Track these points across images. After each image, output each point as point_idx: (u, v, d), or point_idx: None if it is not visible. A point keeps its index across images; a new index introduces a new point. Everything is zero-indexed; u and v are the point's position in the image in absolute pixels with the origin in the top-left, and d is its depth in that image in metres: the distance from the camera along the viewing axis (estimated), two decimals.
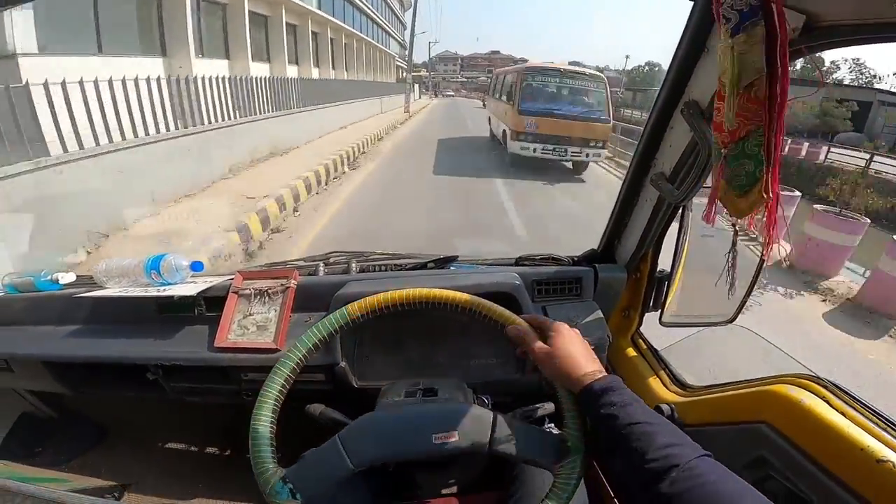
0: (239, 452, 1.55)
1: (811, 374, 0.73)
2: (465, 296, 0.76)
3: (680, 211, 0.85)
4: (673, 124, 0.70)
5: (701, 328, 1.04)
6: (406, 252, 1.18)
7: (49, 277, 1.11)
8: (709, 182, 0.68)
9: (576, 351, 0.68)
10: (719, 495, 0.49)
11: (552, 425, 0.88)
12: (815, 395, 0.67)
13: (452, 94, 65.76)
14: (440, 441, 0.68)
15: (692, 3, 0.55)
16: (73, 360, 1.06)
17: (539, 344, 0.70)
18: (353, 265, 1.11)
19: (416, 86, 38.51)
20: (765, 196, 0.48)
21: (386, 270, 1.10)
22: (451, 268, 1.11)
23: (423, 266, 1.10)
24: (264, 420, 0.69)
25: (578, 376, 0.65)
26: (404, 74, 41.91)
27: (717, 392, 0.87)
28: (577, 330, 0.72)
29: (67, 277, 1.13)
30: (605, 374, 0.65)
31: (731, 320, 0.97)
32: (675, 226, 0.91)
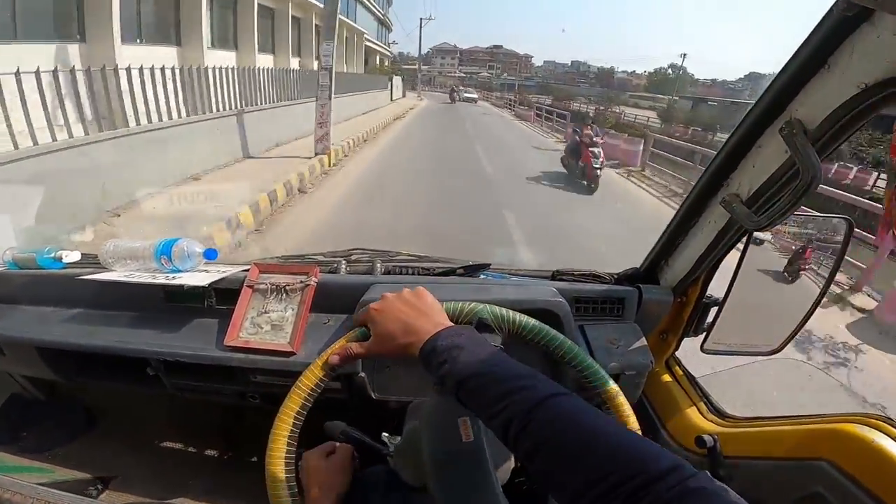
0: (232, 452, 1.48)
1: (883, 414, 0.70)
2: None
3: (746, 237, 0.78)
4: (763, 143, 0.64)
5: (743, 358, 0.98)
6: (436, 255, 1.11)
7: (52, 255, 1.03)
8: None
9: (399, 316, 0.59)
10: (565, 439, 0.42)
11: None
12: (888, 436, 0.64)
13: (474, 95, 40.41)
14: None
15: (829, 10, 0.49)
16: (69, 347, 0.98)
17: (361, 346, 0.62)
18: (378, 265, 1.04)
19: (399, 80, 29.78)
20: None
21: (413, 274, 1.03)
22: (482, 276, 1.04)
23: (453, 272, 1.04)
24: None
25: (410, 342, 0.57)
26: (382, 62, 34.32)
27: (765, 425, 0.83)
28: (400, 294, 0.63)
29: (72, 256, 1.05)
30: (445, 327, 0.57)
31: (777, 351, 0.92)
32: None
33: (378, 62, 32.77)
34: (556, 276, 1.02)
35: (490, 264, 1.06)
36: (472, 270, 1.04)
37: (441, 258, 1.10)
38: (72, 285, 0.99)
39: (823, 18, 0.49)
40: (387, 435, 0.76)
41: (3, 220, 1.29)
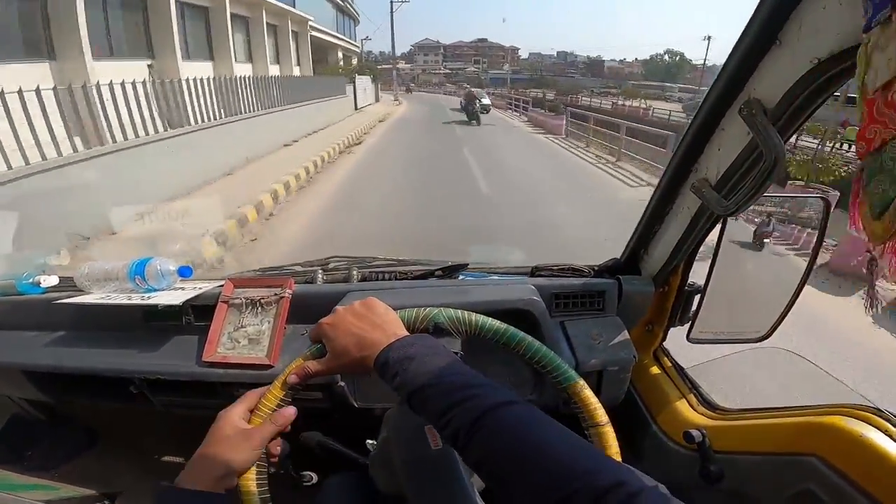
0: None
1: (870, 405, 0.67)
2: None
3: (721, 222, 0.75)
4: (725, 125, 0.61)
5: (732, 348, 0.95)
6: (412, 258, 1.09)
7: (31, 280, 1.03)
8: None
9: (351, 331, 0.58)
10: (509, 452, 0.41)
11: None
12: (877, 428, 0.62)
13: (487, 101, 21.07)
14: None
15: None
16: (52, 370, 0.99)
17: (318, 363, 0.60)
18: (355, 272, 1.02)
19: (368, 81, 22.66)
20: None
21: (390, 279, 1.01)
22: (461, 277, 1.02)
23: (431, 274, 1.02)
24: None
25: (365, 356, 0.55)
26: (349, 61, 26.84)
27: (755, 418, 0.81)
28: (352, 307, 0.62)
29: (50, 280, 1.06)
30: (398, 337, 0.56)
31: (766, 337, 0.90)
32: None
33: (341, 60, 25.37)
34: (534, 272, 1.00)
35: (468, 264, 1.04)
36: (451, 272, 1.02)
37: (418, 261, 1.08)
38: (52, 309, 0.99)
39: None
40: (371, 442, 0.75)
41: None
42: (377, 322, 0.58)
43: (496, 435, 0.42)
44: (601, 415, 0.62)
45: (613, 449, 0.60)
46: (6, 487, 1.16)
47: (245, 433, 0.58)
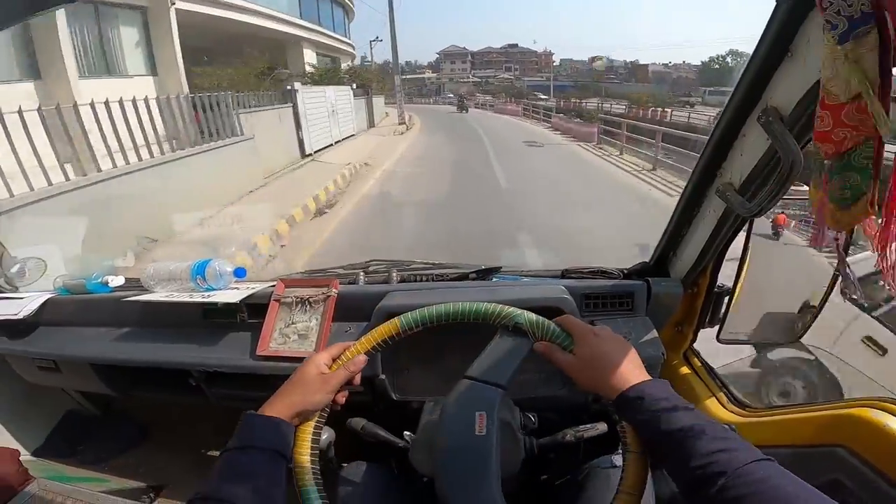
0: None
1: None
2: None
3: (747, 223, 0.79)
4: (746, 132, 0.65)
5: (763, 347, 0.98)
6: (448, 262, 1.15)
7: (100, 280, 1.14)
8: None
9: (609, 355, 0.62)
10: (778, 501, 0.44)
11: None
12: None
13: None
14: None
15: (775, 3, 0.51)
16: (118, 363, 1.08)
17: (564, 356, 0.65)
18: (394, 274, 1.09)
19: (344, 93, 12.74)
20: (870, 210, 0.43)
21: (427, 280, 1.08)
22: (494, 279, 1.08)
23: (465, 277, 1.08)
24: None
25: (611, 383, 0.60)
26: (337, 65, 16.86)
27: (783, 413, 0.83)
28: (613, 334, 0.66)
29: (117, 281, 1.16)
30: (649, 378, 0.60)
31: (798, 338, 0.92)
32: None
33: (310, 62, 15.55)
34: (565, 274, 1.05)
35: (501, 267, 1.09)
36: (484, 274, 1.08)
37: (454, 264, 1.14)
38: (119, 307, 1.09)
39: (775, 7, 0.51)
40: (408, 434, 0.80)
41: (53, 251, 1.42)
42: (637, 362, 0.63)
43: (760, 482, 0.46)
44: None
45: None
46: (60, 479, 1.25)
47: (324, 377, 0.68)
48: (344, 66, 19.02)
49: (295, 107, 9.19)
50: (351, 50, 21.85)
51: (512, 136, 14.85)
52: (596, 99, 36.19)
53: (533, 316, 0.72)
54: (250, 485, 0.54)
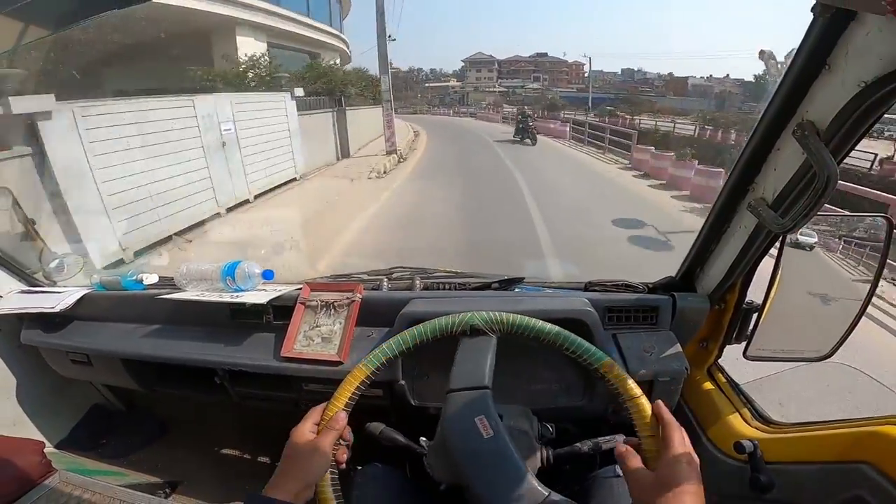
0: None
1: None
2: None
3: (779, 240, 0.78)
4: (780, 146, 0.65)
5: (790, 364, 0.96)
6: (470, 271, 1.16)
7: (135, 277, 1.18)
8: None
9: (687, 489, 0.56)
10: None
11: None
12: None
13: None
14: None
15: (812, 16, 0.52)
16: (148, 359, 1.11)
17: (642, 473, 0.60)
18: (417, 282, 1.10)
19: (283, 103, 7.73)
20: None
21: (449, 289, 1.09)
22: (517, 290, 1.08)
23: (488, 286, 1.08)
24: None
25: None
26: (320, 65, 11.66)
27: (809, 430, 0.82)
28: (696, 459, 0.61)
29: (151, 278, 1.20)
30: None
31: (827, 357, 0.90)
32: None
33: (256, 58, 9.93)
34: (588, 287, 1.05)
35: (524, 278, 1.10)
36: (507, 284, 1.09)
37: (476, 273, 1.15)
38: (151, 304, 1.12)
39: (812, 21, 0.51)
40: (424, 440, 0.81)
41: (92, 248, 1.47)
42: (701, 498, 0.57)
43: None
44: (634, 388, 0.68)
45: (648, 418, 0.65)
46: (81, 472, 1.28)
47: (313, 444, 0.68)
48: (328, 63, 13.21)
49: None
50: (341, 46, 16.50)
51: (597, 208, 6.88)
52: (645, 115, 28.91)
53: (486, 315, 0.78)
54: None
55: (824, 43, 0.52)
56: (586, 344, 0.74)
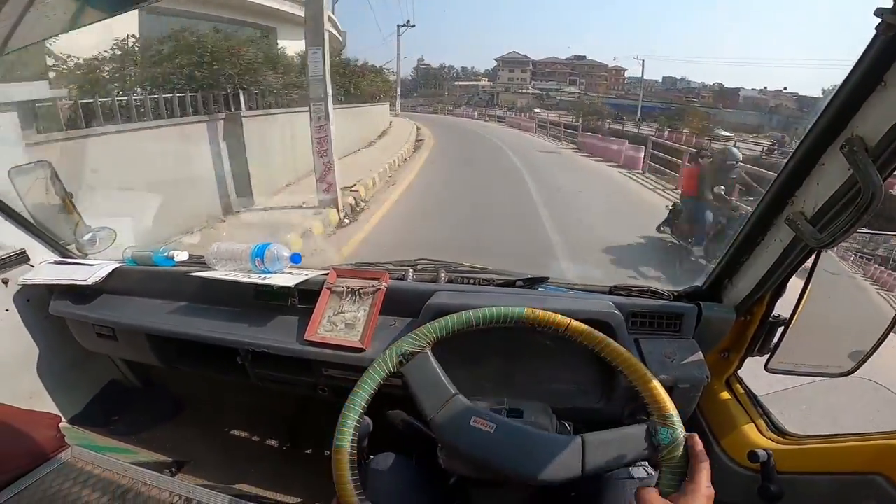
0: (297, 447, 1.58)
1: None
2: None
3: (813, 255, 0.79)
4: (825, 161, 0.66)
5: (812, 377, 0.96)
6: (494, 267, 1.17)
7: (166, 254, 1.20)
8: None
9: None
10: None
11: (645, 462, 0.84)
12: None
13: None
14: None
15: (875, 32, 0.52)
16: (173, 335, 1.13)
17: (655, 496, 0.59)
18: (442, 274, 1.12)
19: None
20: None
21: (474, 284, 1.10)
22: (540, 289, 1.09)
23: (512, 283, 1.09)
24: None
25: None
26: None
27: (824, 442, 0.83)
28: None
29: (181, 256, 1.22)
30: None
31: (849, 373, 0.90)
32: None
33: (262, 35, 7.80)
34: (613, 290, 1.05)
35: (549, 278, 1.10)
36: (531, 283, 1.09)
37: (501, 270, 1.16)
38: (181, 281, 1.14)
39: (874, 37, 0.51)
40: None
41: (125, 223, 1.50)
42: None
43: None
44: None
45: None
46: (90, 447, 1.30)
47: None
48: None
49: None
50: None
51: None
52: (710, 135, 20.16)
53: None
54: None
55: (883, 60, 0.53)
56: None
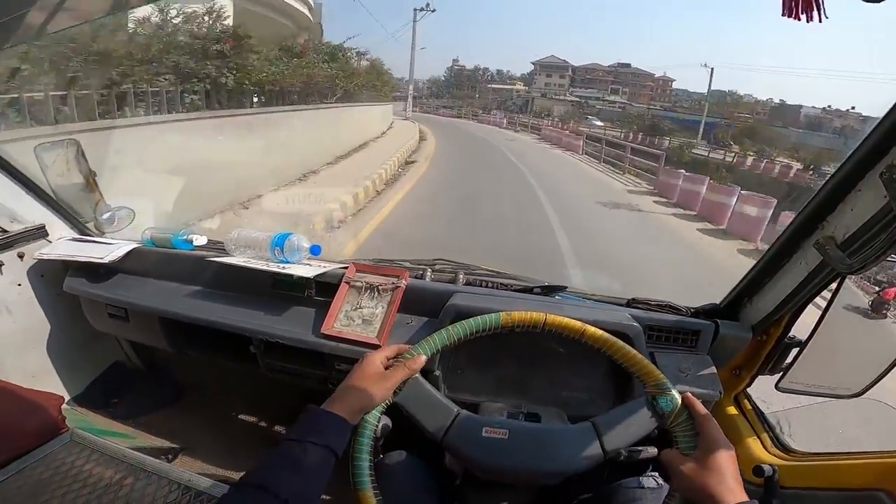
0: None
1: None
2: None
3: (838, 280, 0.79)
4: (862, 187, 0.66)
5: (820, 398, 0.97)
6: (511, 273, 1.18)
7: (186, 237, 1.20)
8: None
9: (725, 465, 0.63)
10: None
11: (655, 473, 0.84)
12: None
13: None
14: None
15: None
16: (187, 319, 1.13)
17: (685, 464, 0.65)
18: (461, 276, 1.12)
19: None
20: None
21: (492, 287, 1.10)
22: (557, 297, 1.09)
23: (529, 290, 1.10)
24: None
25: (720, 498, 0.60)
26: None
27: (828, 460, 0.85)
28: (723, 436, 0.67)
29: (200, 240, 1.22)
30: (747, 499, 0.61)
31: (858, 395, 0.91)
32: None
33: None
34: (630, 303, 1.06)
35: (566, 287, 1.11)
36: (548, 291, 1.10)
37: (519, 276, 1.16)
38: (198, 265, 1.14)
39: None
40: None
41: (147, 204, 1.50)
42: (739, 480, 0.64)
43: None
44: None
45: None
46: (89, 430, 1.30)
47: (383, 374, 0.71)
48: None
49: None
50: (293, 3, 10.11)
51: None
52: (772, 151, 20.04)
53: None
54: (296, 477, 0.58)
55: None
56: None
